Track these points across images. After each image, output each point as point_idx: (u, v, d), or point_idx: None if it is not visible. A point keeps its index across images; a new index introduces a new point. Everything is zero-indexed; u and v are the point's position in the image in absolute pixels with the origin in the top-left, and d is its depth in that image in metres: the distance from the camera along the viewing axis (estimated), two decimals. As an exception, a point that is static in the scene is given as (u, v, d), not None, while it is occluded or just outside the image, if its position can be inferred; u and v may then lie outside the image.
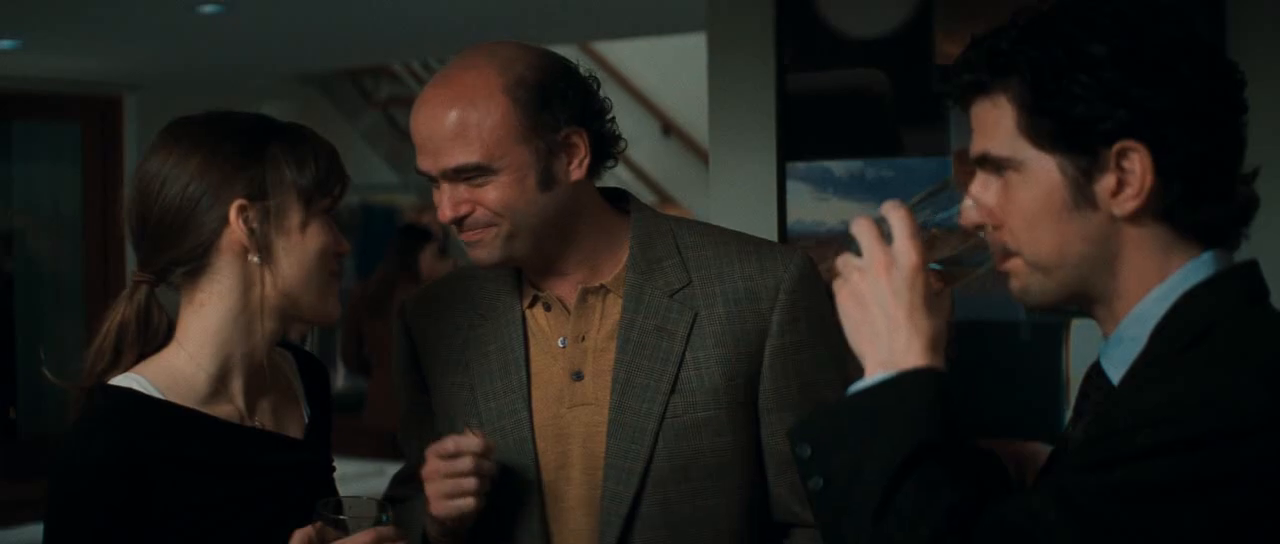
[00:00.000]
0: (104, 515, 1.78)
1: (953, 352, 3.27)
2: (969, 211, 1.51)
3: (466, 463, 1.95)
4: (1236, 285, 1.45)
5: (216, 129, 1.88)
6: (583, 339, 2.09)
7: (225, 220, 1.84)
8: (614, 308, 2.09)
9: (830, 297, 2.08)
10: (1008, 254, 1.50)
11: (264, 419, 1.94)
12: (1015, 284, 1.51)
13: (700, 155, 9.10)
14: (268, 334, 1.91)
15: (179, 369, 1.87)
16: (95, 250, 8.05)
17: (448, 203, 2.02)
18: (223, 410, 1.89)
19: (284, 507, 1.88)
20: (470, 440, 1.96)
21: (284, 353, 2.06)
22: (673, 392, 2.04)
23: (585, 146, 2.04)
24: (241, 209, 1.84)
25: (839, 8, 3.41)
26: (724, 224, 2.33)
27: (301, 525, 1.82)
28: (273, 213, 1.85)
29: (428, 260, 6.55)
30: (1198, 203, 1.43)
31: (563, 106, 2.02)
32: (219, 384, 1.88)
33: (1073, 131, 1.42)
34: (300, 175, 1.87)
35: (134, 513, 1.78)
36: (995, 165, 1.48)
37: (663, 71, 9.01)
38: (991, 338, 3.28)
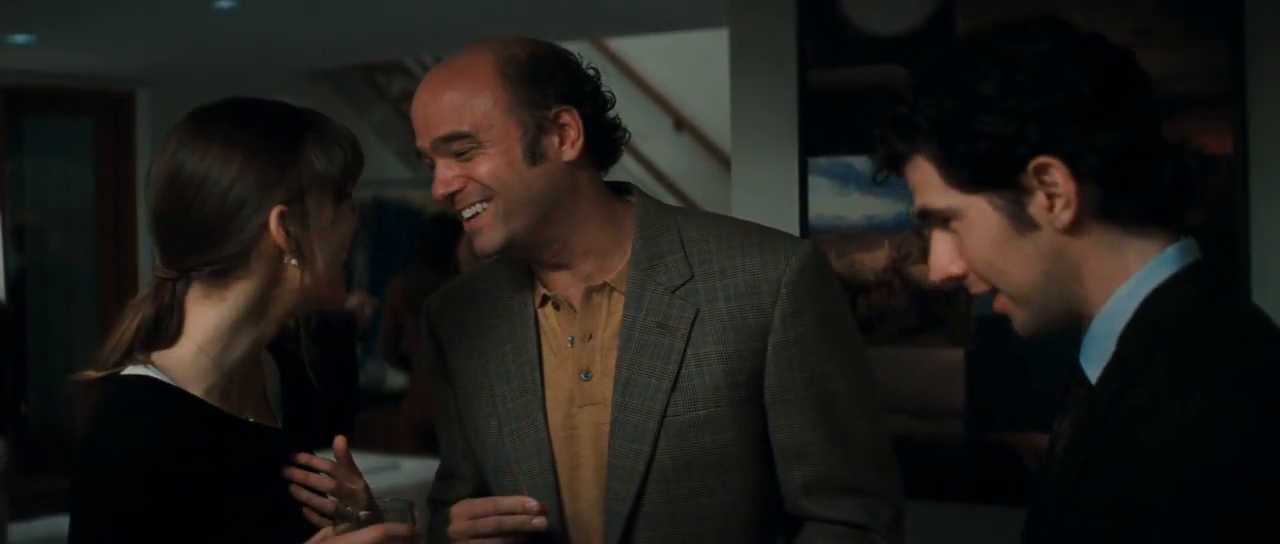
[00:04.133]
0: (135, 500, 1.75)
1: (973, 347, 3.31)
2: (936, 269, 1.55)
3: (487, 523, 1.98)
4: (1192, 285, 1.48)
5: (251, 125, 1.86)
6: (590, 338, 2.09)
7: (265, 227, 1.82)
8: (619, 306, 2.08)
9: (838, 286, 2.11)
10: (995, 293, 1.54)
11: (249, 413, 1.94)
12: (1016, 324, 1.55)
13: (712, 150, 9.09)
14: (275, 328, 1.90)
15: (186, 360, 1.84)
16: (108, 246, 8.06)
17: (439, 180, 2.04)
18: (222, 403, 1.88)
19: (281, 495, 1.90)
20: (507, 501, 2.00)
21: (265, 354, 2.05)
22: (674, 389, 2.03)
23: (577, 127, 2.04)
24: (282, 215, 1.83)
25: (860, 4, 3.42)
26: (746, 219, 2.33)
27: (296, 515, 1.84)
28: (310, 213, 1.85)
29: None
30: (1125, 192, 1.46)
31: (552, 84, 2.03)
32: (221, 376, 1.86)
33: (988, 169, 1.46)
34: (331, 167, 1.86)
35: (162, 496, 1.76)
36: (939, 219, 1.52)
37: (675, 67, 8.99)
38: (1011, 334, 3.26)
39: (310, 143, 1.86)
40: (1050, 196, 1.45)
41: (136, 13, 6.31)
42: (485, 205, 2.03)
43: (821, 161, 3.47)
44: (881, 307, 3.39)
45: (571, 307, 2.10)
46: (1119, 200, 1.46)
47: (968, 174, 1.47)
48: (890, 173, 1.56)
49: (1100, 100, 1.45)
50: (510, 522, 1.98)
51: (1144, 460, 1.37)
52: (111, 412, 1.81)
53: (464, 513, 2.02)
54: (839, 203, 3.44)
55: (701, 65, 8.09)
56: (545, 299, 2.12)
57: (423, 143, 2.05)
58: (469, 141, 2.01)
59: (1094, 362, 1.50)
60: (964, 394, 3.34)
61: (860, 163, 3.42)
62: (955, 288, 1.56)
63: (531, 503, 1.99)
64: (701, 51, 7.95)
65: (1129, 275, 1.48)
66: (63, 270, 8.31)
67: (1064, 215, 1.46)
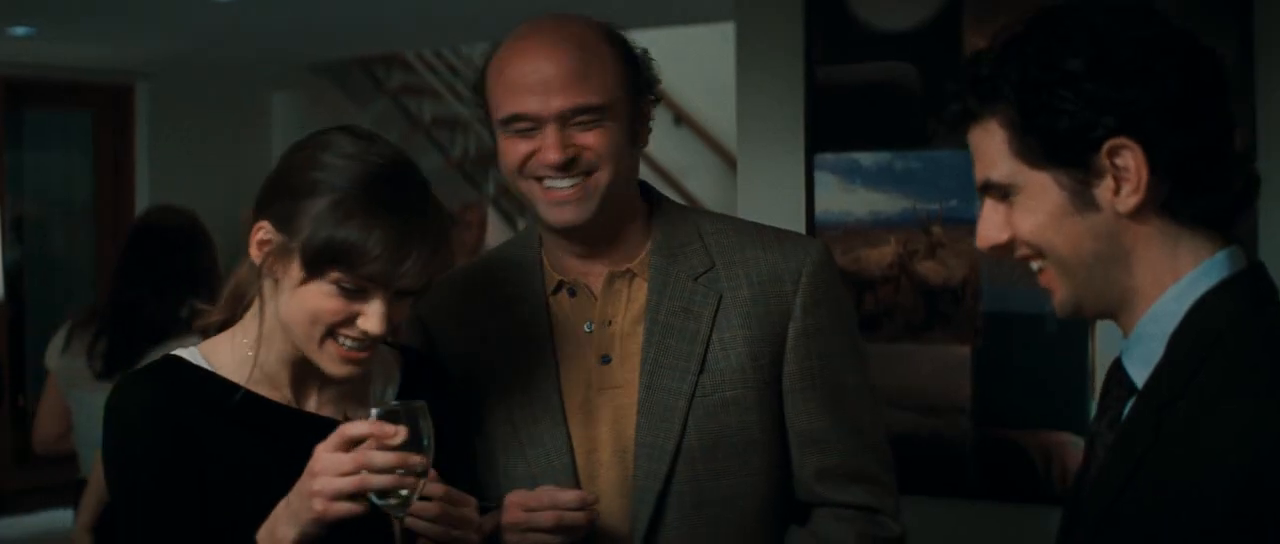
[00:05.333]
0: (157, 453, 1.86)
1: (980, 344, 3.31)
2: (983, 237, 1.54)
3: (547, 517, 1.96)
4: (1243, 291, 1.47)
5: (328, 148, 1.88)
6: (609, 323, 2.10)
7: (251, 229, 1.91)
8: (639, 292, 2.10)
9: (847, 285, 2.11)
10: (1040, 266, 1.53)
11: (322, 408, 1.96)
12: (1055, 302, 1.54)
13: (711, 145, 9.10)
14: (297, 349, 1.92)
15: (225, 348, 1.94)
16: (106, 239, 8.04)
17: (555, 146, 1.99)
18: (270, 393, 1.93)
19: None
20: (567, 495, 1.97)
21: (387, 350, 2.05)
22: (701, 371, 2.05)
23: (650, 115, 2.09)
24: (260, 228, 1.88)
25: (868, 0, 3.42)
26: (752, 215, 2.35)
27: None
28: (282, 251, 1.86)
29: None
30: (1194, 193, 1.46)
31: (646, 70, 2.08)
32: (264, 370, 1.92)
33: (1062, 146, 1.45)
34: (312, 235, 1.83)
35: (184, 455, 1.86)
36: (999, 191, 1.51)
37: (673, 61, 8.95)
38: (1018, 331, 3.29)
39: (327, 200, 1.83)
40: (1118, 180, 1.44)
41: (136, 5, 6.31)
42: (585, 178, 2.01)
43: (828, 157, 3.47)
44: (888, 303, 3.40)
45: (590, 292, 2.10)
46: (1184, 199, 1.46)
47: (1040, 148, 1.46)
48: (960, 129, 1.53)
49: (1186, 100, 1.44)
50: (571, 517, 1.96)
51: (1200, 464, 1.36)
52: (128, 379, 1.95)
53: (518, 503, 1.99)
54: (845, 198, 3.44)
55: (700, 59, 8.09)
56: (560, 286, 2.12)
57: (538, 109, 1.99)
58: (597, 115, 2.00)
59: (1139, 362, 1.50)
60: (970, 391, 3.35)
61: (867, 158, 3.43)
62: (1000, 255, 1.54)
63: (589, 497, 1.98)
64: (700, 45, 7.94)
65: (1179, 276, 1.47)
66: (61, 263, 8.30)
67: (1130, 201, 1.44)
